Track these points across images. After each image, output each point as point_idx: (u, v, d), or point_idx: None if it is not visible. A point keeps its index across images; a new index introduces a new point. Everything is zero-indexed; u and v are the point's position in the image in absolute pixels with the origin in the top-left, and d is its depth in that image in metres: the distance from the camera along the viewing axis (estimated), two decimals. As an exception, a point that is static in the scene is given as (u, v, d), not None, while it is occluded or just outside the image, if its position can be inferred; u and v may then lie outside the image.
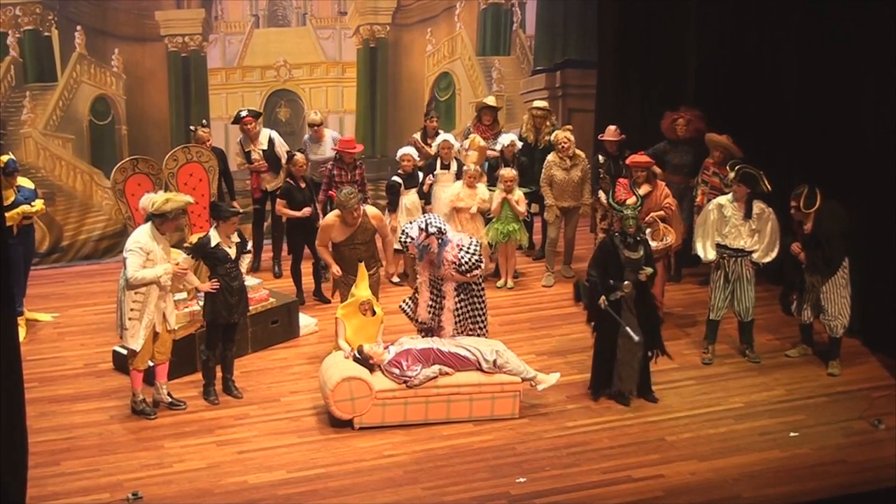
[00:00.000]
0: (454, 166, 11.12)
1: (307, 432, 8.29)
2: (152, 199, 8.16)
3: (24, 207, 9.77)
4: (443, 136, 11.31)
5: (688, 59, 11.78)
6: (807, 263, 9.08)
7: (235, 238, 8.58)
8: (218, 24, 12.15)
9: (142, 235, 8.12)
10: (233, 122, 11.27)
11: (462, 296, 8.75)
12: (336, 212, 9.17)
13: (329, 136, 11.39)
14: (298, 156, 10.64)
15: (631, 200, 9.13)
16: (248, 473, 7.70)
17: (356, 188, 10.12)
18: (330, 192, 10.69)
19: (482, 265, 8.78)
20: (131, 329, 8.18)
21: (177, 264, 8.24)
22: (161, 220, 8.12)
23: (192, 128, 11.06)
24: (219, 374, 8.80)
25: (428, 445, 8.09)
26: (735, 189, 9.28)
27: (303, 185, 10.56)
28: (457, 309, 8.73)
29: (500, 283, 11.18)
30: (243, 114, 11.13)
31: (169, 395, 8.57)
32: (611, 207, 9.71)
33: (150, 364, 8.44)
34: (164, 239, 8.23)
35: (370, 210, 9.33)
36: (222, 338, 8.70)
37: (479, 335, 8.84)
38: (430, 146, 11.43)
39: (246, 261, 8.84)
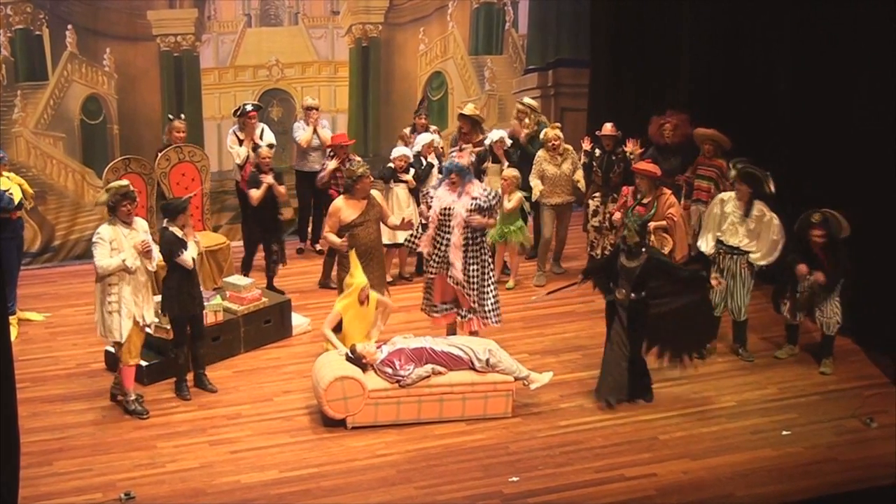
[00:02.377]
0: (435, 163, 11.15)
1: (300, 432, 8.29)
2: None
3: (22, 182, 9.92)
4: (423, 136, 11.32)
5: (681, 58, 11.79)
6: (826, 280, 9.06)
7: (196, 237, 8.62)
8: (210, 23, 12.13)
9: (102, 228, 8.27)
10: (238, 115, 11.18)
11: (470, 245, 8.94)
12: (342, 196, 9.33)
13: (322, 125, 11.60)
14: (263, 149, 10.58)
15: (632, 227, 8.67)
16: (240, 473, 7.70)
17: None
18: (331, 191, 10.74)
19: (493, 217, 9.23)
20: (112, 322, 8.18)
21: (142, 242, 8.24)
22: (111, 210, 8.22)
23: (169, 116, 11.08)
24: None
25: (421, 444, 8.09)
26: (737, 188, 9.28)
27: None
28: (464, 259, 8.93)
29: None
30: (249, 107, 11.13)
31: (137, 401, 8.51)
32: (623, 217, 9.49)
33: (143, 363, 8.44)
34: (128, 226, 8.23)
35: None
36: (191, 333, 8.72)
37: (483, 301, 8.99)
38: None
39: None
